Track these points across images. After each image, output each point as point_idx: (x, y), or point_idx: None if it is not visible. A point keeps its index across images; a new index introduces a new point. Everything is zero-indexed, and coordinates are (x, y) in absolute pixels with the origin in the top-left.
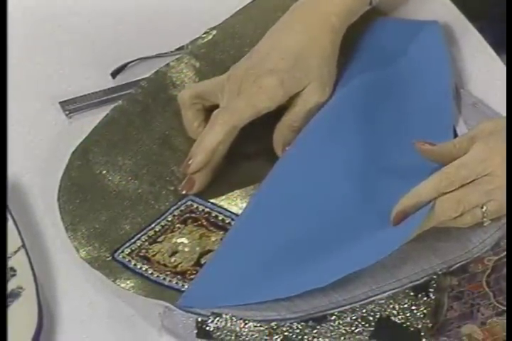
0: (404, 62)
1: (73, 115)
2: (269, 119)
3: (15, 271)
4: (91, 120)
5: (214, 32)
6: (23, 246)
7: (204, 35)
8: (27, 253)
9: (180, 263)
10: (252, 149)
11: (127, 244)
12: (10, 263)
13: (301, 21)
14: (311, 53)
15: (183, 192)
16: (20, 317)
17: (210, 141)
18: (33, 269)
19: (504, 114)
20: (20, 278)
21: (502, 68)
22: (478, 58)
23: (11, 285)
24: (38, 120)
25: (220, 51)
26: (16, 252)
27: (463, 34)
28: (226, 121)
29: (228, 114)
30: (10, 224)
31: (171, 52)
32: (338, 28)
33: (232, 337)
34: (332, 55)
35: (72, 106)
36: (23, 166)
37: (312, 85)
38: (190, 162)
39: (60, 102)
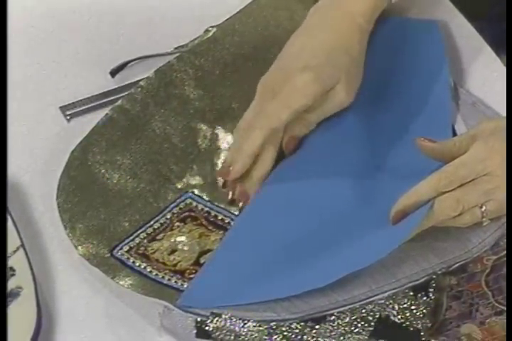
0: (403, 61)
1: (73, 119)
2: None
3: (14, 270)
4: (90, 120)
5: (214, 30)
6: (22, 245)
7: (204, 33)
8: (26, 253)
9: (179, 262)
10: None
11: (126, 241)
12: (9, 262)
13: (328, 23)
14: (340, 52)
15: (240, 205)
16: (20, 316)
17: (250, 146)
18: (32, 269)
19: (504, 113)
20: (19, 278)
21: (502, 68)
22: (477, 58)
23: (10, 284)
24: (37, 120)
25: (219, 48)
26: (15, 252)
27: (463, 34)
28: (264, 125)
29: (265, 118)
30: (9, 223)
31: (171, 51)
32: (365, 29)
33: (232, 337)
34: (360, 56)
35: (72, 111)
36: (22, 166)
37: (339, 86)
38: (230, 168)
39: (61, 107)
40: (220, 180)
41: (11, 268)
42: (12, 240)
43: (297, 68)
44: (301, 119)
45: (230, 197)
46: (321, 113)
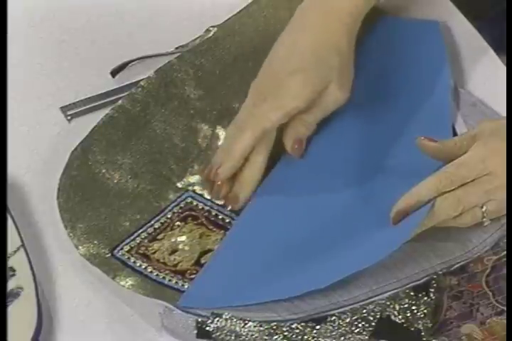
0: (403, 61)
1: (74, 119)
2: None
3: (14, 270)
4: (91, 120)
5: (214, 29)
6: (23, 245)
7: (204, 33)
8: (26, 253)
9: (180, 262)
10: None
11: (127, 241)
12: (9, 262)
13: (315, 23)
14: (330, 53)
15: (229, 209)
16: (20, 316)
17: (240, 147)
18: (32, 269)
19: (504, 114)
20: (19, 278)
21: (502, 68)
22: (478, 58)
23: (11, 284)
24: (37, 120)
25: (220, 48)
26: (15, 252)
27: (463, 34)
28: (254, 127)
29: (256, 119)
30: (9, 223)
31: (172, 51)
32: (352, 28)
33: (232, 337)
34: (350, 55)
35: (73, 111)
36: (22, 166)
37: (332, 85)
38: (219, 170)
39: (61, 107)
40: (209, 181)
41: (11, 268)
42: (12, 240)
43: (287, 72)
44: (300, 120)
45: (217, 197)
46: (319, 113)
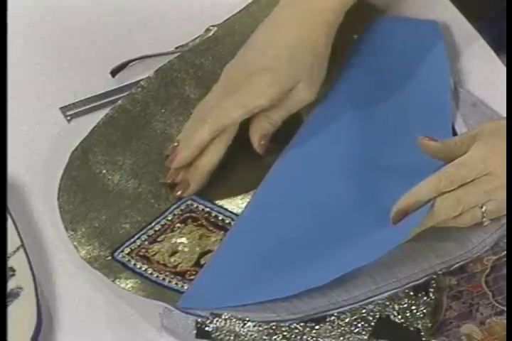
0: (403, 61)
1: (74, 119)
2: None
3: (14, 270)
4: (91, 120)
5: (215, 29)
6: (22, 245)
7: (204, 33)
8: (26, 253)
9: (180, 264)
10: (252, 149)
11: (127, 243)
12: (9, 262)
13: (294, 18)
14: (305, 50)
15: (177, 194)
16: (20, 317)
17: (198, 139)
18: (32, 269)
19: (504, 114)
20: (19, 278)
21: (502, 68)
22: (477, 58)
23: (10, 285)
24: (37, 120)
25: (220, 47)
26: (15, 252)
27: (462, 34)
28: (214, 121)
29: (217, 113)
30: (9, 223)
31: (172, 50)
32: (333, 23)
33: (232, 338)
34: (325, 53)
35: (72, 111)
36: (22, 166)
37: (301, 84)
38: (175, 158)
39: (61, 108)
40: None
41: (11, 269)
42: (12, 240)
43: (259, 67)
44: (265, 117)
45: (169, 181)
46: (284, 111)
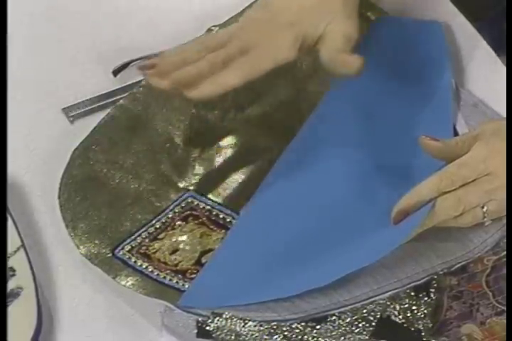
0: (405, 61)
1: (76, 120)
2: (268, 119)
3: (14, 270)
4: (92, 120)
5: (216, 29)
6: (23, 245)
7: (206, 33)
8: (26, 253)
9: (180, 262)
10: (254, 148)
11: (128, 241)
12: (9, 262)
13: None
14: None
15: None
16: (20, 316)
17: (226, 83)
18: (32, 269)
19: (504, 114)
20: (19, 278)
21: (502, 68)
22: (478, 58)
23: (11, 284)
24: (38, 120)
25: None
26: (15, 252)
27: (463, 34)
28: (242, 66)
29: (245, 60)
30: (9, 223)
31: None
32: None
33: (232, 337)
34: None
35: (75, 112)
36: (23, 166)
37: (337, 18)
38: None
39: (63, 108)
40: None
41: (11, 268)
42: (12, 240)
43: (282, 23)
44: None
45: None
46: (333, 46)
